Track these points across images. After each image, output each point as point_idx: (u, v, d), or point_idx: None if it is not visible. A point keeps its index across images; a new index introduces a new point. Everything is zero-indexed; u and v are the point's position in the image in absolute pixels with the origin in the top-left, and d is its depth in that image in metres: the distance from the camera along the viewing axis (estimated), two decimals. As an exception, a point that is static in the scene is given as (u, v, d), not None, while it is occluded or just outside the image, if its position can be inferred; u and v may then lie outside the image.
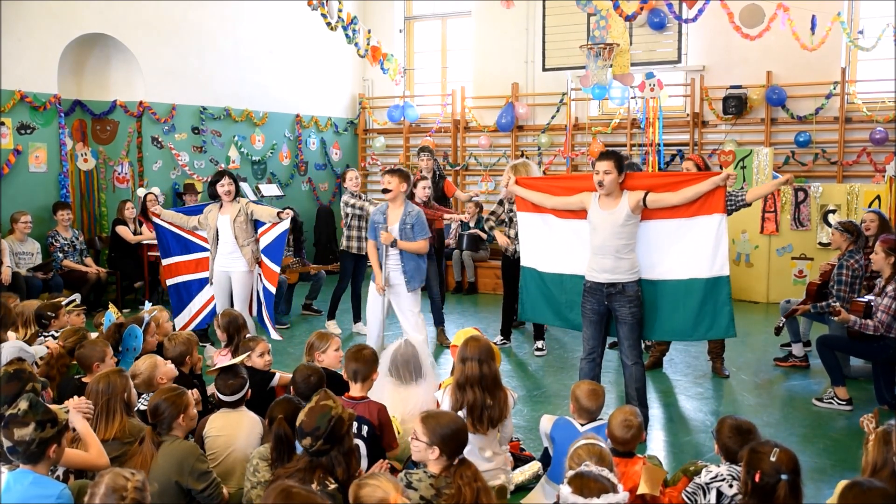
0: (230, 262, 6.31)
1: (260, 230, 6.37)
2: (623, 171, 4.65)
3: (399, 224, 5.61)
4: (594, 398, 3.78)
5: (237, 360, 4.00)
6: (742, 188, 8.90)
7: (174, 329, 5.59)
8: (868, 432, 3.30)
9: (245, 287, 6.34)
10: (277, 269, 6.32)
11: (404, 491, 2.54)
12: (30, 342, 4.95)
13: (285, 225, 6.23)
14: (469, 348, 3.82)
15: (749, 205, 5.90)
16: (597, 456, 2.94)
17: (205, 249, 6.53)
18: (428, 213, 7.04)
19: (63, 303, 5.39)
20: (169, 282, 6.72)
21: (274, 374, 4.55)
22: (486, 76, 11.68)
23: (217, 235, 6.34)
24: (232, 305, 6.25)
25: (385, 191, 5.66)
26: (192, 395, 4.14)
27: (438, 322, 7.35)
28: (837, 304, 5.53)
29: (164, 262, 6.72)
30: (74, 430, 3.27)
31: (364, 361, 3.94)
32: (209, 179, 6.53)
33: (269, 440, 3.41)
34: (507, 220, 6.92)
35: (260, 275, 6.35)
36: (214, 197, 6.42)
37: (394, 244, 5.58)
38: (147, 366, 4.05)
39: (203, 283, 6.57)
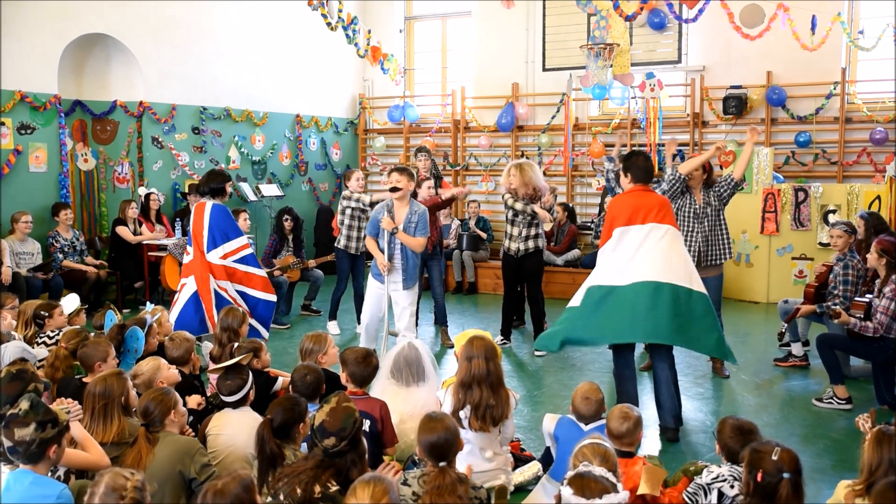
0: None
1: (229, 246, 6.07)
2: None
3: (405, 221, 5.78)
4: (587, 403, 3.79)
5: (237, 359, 3.99)
6: (742, 187, 8.91)
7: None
8: (864, 432, 3.31)
9: None
10: (259, 272, 6.12)
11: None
12: (29, 342, 4.96)
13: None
14: (475, 346, 3.85)
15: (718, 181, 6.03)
16: (601, 455, 2.94)
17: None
18: (431, 202, 7.07)
19: (67, 311, 5.37)
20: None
21: (276, 377, 4.55)
22: (486, 76, 11.69)
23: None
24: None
25: (394, 189, 5.75)
26: (194, 399, 4.15)
27: (442, 322, 7.36)
28: (838, 306, 5.54)
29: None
30: None
31: (373, 369, 4.05)
32: (214, 177, 6.18)
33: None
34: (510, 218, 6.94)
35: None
36: (216, 194, 6.11)
37: (395, 232, 5.73)
38: (150, 368, 4.05)
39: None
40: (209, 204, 6.03)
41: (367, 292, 6.04)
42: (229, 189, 6.23)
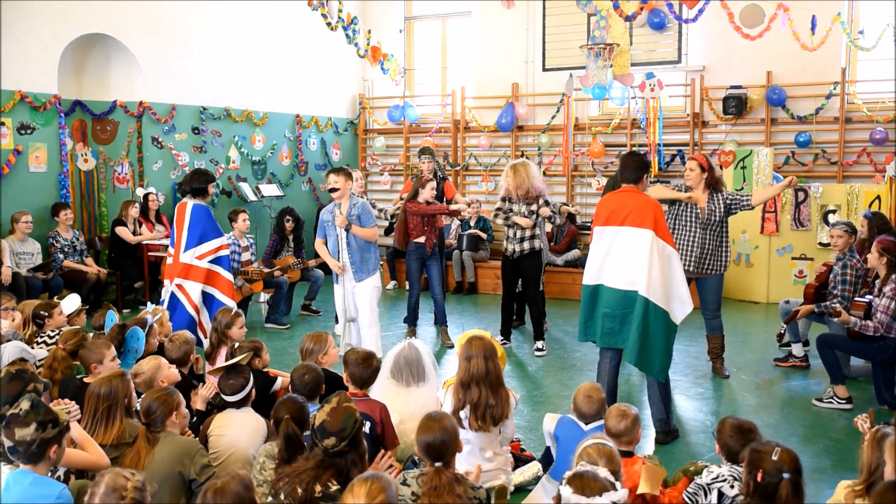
0: None
1: (204, 247, 6.09)
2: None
3: (347, 216, 5.87)
4: (588, 402, 3.80)
5: (239, 358, 3.99)
6: (742, 188, 8.92)
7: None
8: (863, 432, 3.31)
9: None
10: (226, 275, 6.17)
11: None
12: (28, 343, 4.96)
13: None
14: (474, 346, 3.86)
15: (752, 208, 5.95)
16: (607, 456, 2.95)
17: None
18: (431, 210, 7.11)
19: (66, 312, 5.37)
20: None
21: (276, 378, 4.55)
22: (486, 76, 11.68)
23: None
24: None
25: (333, 190, 5.85)
26: (198, 390, 4.17)
27: (441, 322, 7.35)
28: (838, 305, 5.54)
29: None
30: None
31: (373, 371, 4.07)
32: (198, 177, 6.19)
33: (274, 440, 3.41)
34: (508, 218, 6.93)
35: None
36: (198, 194, 6.12)
37: (348, 228, 5.85)
38: (151, 367, 4.05)
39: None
40: (190, 204, 6.04)
41: (335, 296, 6.20)
42: (212, 189, 6.23)
